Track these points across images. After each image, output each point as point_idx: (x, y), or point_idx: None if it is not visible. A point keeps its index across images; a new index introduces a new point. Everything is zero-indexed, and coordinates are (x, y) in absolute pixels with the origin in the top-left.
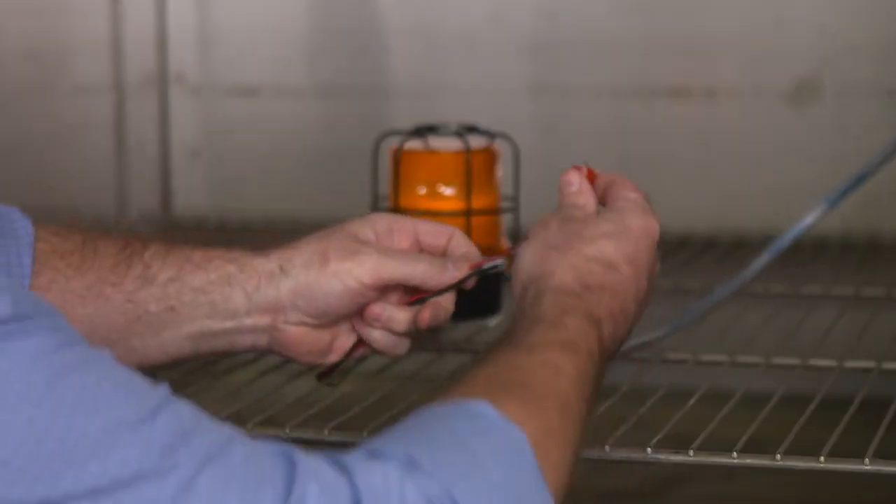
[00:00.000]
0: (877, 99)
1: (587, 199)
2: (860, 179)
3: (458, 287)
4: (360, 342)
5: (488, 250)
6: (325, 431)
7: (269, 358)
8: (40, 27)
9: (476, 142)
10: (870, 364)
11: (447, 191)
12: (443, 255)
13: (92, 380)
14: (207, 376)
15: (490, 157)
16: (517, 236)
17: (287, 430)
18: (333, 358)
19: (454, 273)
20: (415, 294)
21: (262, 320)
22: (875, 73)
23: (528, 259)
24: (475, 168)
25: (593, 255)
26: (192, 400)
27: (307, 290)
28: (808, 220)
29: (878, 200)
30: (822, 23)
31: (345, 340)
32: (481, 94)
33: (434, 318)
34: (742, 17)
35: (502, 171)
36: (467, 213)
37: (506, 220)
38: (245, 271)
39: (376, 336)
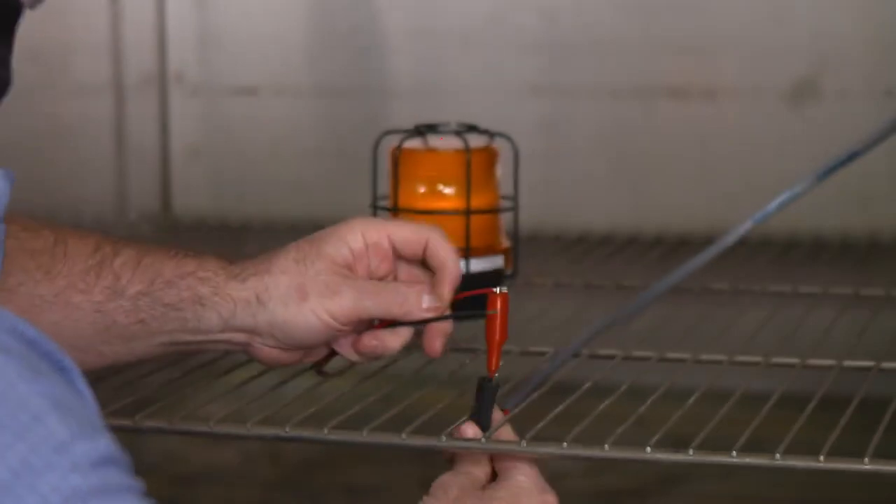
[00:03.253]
0: (876, 99)
1: (483, 469)
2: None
3: (435, 321)
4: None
5: (487, 249)
6: (325, 431)
7: None
8: (40, 27)
9: (476, 141)
10: (869, 364)
11: (447, 190)
12: (421, 261)
13: None
14: (207, 376)
15: (489, 156)
16: (516, 236)
17: (286, 430)
18: (308, 360)
19: (431, 304)
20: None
21: (237, 337)
22: (874, 73)
23: None
24: (475, 167)
25: None
26: (191, 400)
27: (283, 325)
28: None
29: (878, 200)
30: (821, 23)
31: (318, 353)
32: (481, 93)
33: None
34: (742, 16)
35: (502, 171)
36: (467, 213)
37: (505, 219)
38: (219, 295)
39: (355, 357)
